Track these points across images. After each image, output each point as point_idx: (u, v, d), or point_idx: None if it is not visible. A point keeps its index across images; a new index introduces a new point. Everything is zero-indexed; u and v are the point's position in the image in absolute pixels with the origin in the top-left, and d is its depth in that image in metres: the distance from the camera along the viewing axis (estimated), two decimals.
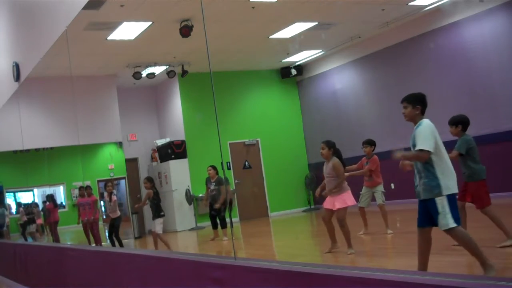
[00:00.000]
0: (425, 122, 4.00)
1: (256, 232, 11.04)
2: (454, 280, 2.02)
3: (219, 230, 9.50)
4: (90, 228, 9.97)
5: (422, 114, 4.07)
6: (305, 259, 6.45)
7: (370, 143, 7.64)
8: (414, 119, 4.07)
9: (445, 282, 2.01)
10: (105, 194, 9.80)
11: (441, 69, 10.51)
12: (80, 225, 10.26)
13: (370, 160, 7.54)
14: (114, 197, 9.58)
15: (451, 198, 3.87)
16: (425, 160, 3.90)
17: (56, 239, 10.58)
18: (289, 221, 12.54)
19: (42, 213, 11.25)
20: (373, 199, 7.55)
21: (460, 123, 5.46)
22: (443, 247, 5.38)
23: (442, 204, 3.84)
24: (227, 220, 9.48)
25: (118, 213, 9.43)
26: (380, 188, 7.47)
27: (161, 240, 8.43)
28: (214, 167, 9.65)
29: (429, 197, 3.90)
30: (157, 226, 8.43)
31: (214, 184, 9.55)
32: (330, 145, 6.29)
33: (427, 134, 3.92)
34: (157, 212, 8.48)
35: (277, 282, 2.80)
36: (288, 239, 9.15)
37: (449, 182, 3.90)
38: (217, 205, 9.35)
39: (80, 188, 10.55)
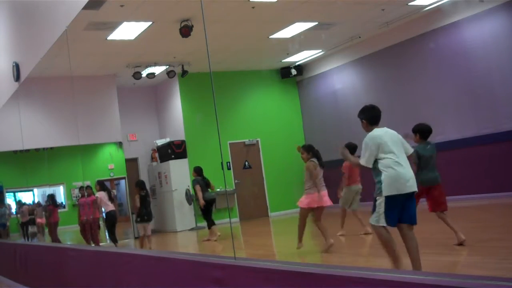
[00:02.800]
0: (366, 137, 4.31)
1: (256, 232, 11.04)
2: (453, 280, 2.03)
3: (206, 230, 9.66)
4: (90, 228, 9.99)
5: (372, 123, 4.35)
6: (305, 259, 6.45)
7: (351, 147, 7.77)
8: (367, 131, 4.38)
9: (445, 282, 2.01)
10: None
11: (441, 69, 10.51)
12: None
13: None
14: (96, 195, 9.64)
15: (388, 199, 4.12)
16: (359, 168, 4.39)
17: (55, 239, 10.57)
18: (289, 221, 12.52)
19: (44, 212, 11.25)
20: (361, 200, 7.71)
21: (417, 131, 5.71)
22: (443, 247, 5.38)
23: (380, 203, 4.15)
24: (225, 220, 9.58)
25: (112, 206, 9.44)
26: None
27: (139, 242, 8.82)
28: (195, 169, 9.81)
29: (375, 197, 4.25)
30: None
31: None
32: (306, 149, 6.69)
33: (363, 148, 4.29)
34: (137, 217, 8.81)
35: (277, 282, 2.80)
36: (288, 239, 9.14)
37: (390, 184, 4.11)
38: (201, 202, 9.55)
39: (80, 188, 10.55)
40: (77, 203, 10.76)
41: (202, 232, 11.77)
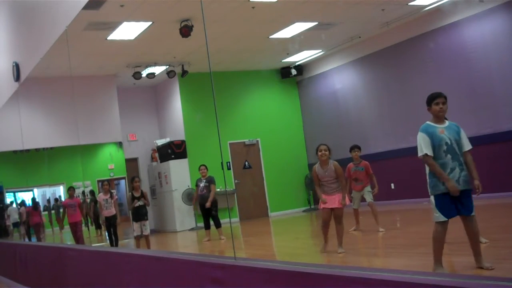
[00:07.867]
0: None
1: (256, 232, 11.04)
2: (454, 280, 2.02)
3: (213, 230, 9.55)
4: (75, 230, 9.97)
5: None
6: (305, 259, 6.44)
7: (360, 147, 7.82)
8: None
9: (445, 282, 2.01)
10: (101, 193, 9.45)
11: (441, 69, 10.51)
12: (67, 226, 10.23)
13: (365, 166, 7.71)
14: (115, 196, 9.53)
15: (437, 196, 4.13)
16: (426, 163, 4.19)
17: (38, 241, 10.56)
18: (289, 221, 12.53)
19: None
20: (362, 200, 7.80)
21: None
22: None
23: (431, 200, 4.14)
24: (223, 220, 9.56)
25: (114, 211, 9.38)
26: (368, 188, 7.67)
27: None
28: (206, 166, 9.69)
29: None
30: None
31: (204, 182, 9.53)
32: (329, 148, 6.25)
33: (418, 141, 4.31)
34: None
35: (277, 282, 2.80)
36: (288, 239, 9.15)
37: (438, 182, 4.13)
38: (207, 204, 9.36)
39: (70, 188, 10.46)
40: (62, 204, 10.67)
41: (202, 232, 11.76)
